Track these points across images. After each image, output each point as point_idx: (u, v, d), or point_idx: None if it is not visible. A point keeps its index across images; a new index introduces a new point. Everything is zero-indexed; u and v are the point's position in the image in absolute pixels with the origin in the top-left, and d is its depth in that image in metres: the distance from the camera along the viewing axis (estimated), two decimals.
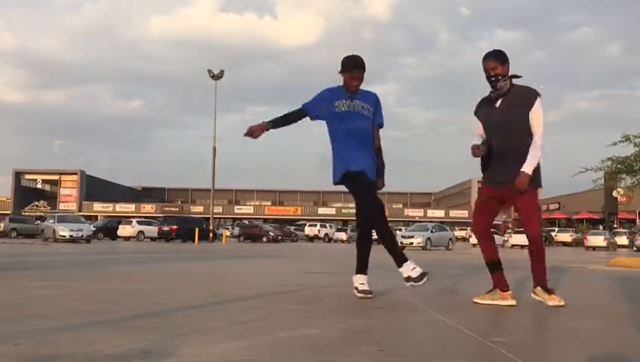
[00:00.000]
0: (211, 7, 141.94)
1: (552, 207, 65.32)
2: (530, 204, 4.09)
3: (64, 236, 25.74)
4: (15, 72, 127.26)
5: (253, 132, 4.22)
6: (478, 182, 4.32)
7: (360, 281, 4.30)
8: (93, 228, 36.98)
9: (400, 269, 4.21)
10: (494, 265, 4.13)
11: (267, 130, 4.25)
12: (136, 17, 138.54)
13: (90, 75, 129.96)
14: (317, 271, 7.86)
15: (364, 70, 4.30)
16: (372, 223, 4.25)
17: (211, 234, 34.30)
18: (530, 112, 3.95)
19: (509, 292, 4.07)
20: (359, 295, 4.22)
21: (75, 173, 69.25)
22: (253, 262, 10.77)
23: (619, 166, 14.35)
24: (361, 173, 4.21)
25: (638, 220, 54.15)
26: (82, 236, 26.29)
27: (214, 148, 39.84)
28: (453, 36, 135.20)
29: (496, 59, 4.04)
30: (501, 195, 4.16)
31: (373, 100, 4.35)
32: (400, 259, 4.22)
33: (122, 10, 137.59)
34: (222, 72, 40.52)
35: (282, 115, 4.35)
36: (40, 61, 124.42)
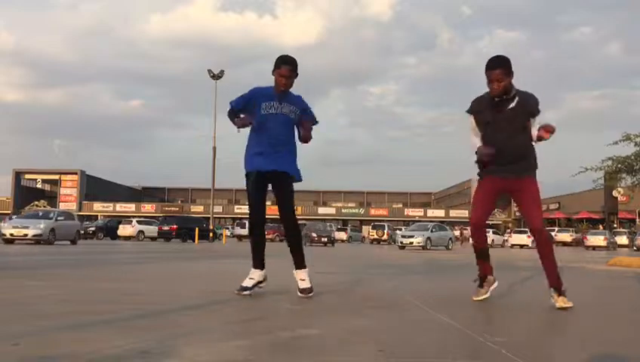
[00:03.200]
0: (211, 7, 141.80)
1: (552, 206, 65.30)
2: (536, 195, 4.13)
3: (4, 235, 19.56)
4: (15, 72, 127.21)
5: (244, 124, 4.29)
6: (478, 176, 4.29)
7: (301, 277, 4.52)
8: (92, 228, 36.65)
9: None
10: (486, 253, 4.29)
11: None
12: (135, 16, 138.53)
13: (90, 74, 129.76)
14: (316, 271, 7.85)
15: (294, 69, 4.30)
16: (251, 224, 4.68)
17: (211, 234, 34.35)
18: (536, 118, 4.03)
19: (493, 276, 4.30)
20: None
21: (75, 173, 69.16)
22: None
23: (619, 165, 14.34)
24: (274, 173, 4.40)
25: (638, 220, 54.17)
26: (27, 235, 19.23)
27: (214, 148, 39.86)
28: (454, 35, 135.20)
29: (503, 70, 3.93)
30: (505, 187, 4.18)
31: (300, 103, 4.42)
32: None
33: (121, 10, 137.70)
34: (222, 71, 40.51)
35: (230, 115, 4.38)
36: (40, 61, 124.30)
